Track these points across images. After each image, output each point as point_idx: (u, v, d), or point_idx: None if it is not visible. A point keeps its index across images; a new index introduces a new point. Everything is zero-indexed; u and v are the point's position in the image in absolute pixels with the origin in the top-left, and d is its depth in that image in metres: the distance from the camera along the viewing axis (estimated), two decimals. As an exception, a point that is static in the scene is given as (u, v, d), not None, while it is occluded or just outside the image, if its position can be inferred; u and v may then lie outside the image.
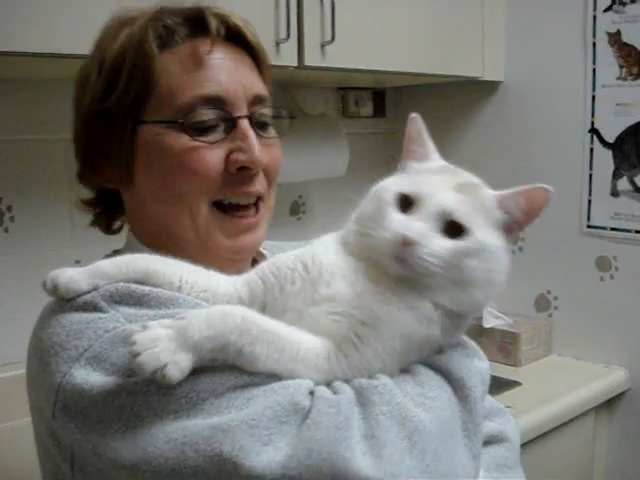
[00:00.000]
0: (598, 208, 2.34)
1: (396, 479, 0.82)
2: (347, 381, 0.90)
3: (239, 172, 1.11)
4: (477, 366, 1.00)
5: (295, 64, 1.87)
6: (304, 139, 2.32)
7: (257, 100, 1.14)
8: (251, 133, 1.10)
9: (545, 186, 0.94)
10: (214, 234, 1.12)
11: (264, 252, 1.26)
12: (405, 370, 0.94)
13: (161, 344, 0.81)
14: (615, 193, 2.30)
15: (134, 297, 0.96)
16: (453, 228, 0.91)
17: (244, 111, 1.11)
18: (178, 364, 0.82)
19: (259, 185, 1.14)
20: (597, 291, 2.38)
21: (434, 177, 0.96)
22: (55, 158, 1.92)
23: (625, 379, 2.32)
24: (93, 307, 0.96)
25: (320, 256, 0.97)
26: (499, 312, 2.48)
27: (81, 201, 1.22)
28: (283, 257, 1.01)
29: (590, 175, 2.35)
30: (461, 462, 0.91)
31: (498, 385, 2.18)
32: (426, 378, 0.93)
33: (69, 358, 0.93)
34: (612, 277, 2.34)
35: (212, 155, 1.09)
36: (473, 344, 1.05)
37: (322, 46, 1.90)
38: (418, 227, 0.89)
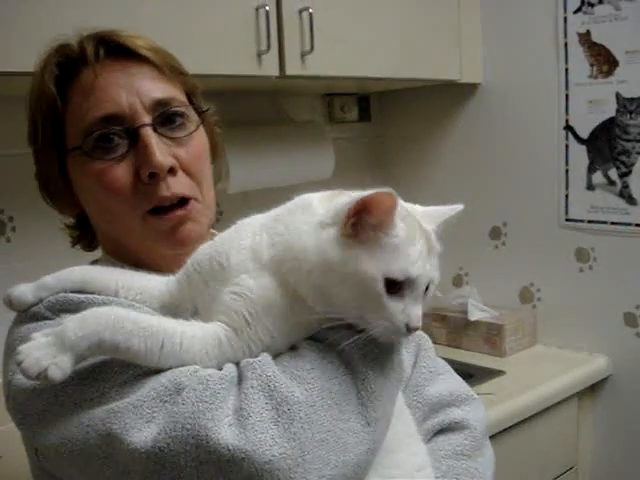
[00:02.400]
0: (575, 202, 2.43)
1: (259, 447, 0.86)
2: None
3: (151, 180, 1.13)
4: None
5: (277, 74, 1.95)
6: (291, 145, 2.40)
7: (159, 103, 1.16)
8: (151, 140, 1.13)
9: (459, 207, 1.05)
10: (153, 238, 1.17)
11: (215, 232, 1.29)
12: (292, 346, 0.98)
13: (42, 350, 0.89)
14: (591, 187, 2.38)
15: (72, 305, 1.04)
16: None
17: (144, 119, 1.14)
18: (58, 365, 0.89)
19: (176, 188, 1.15)
20: (577, 282, 2.46)
21: (411, 249, 0.93)
22: None
23: (607, 366, 2.40)
24: (40, 317, 1.06)
25: (235, 262, 1.01)
26: (484, 305, 2.57)
27: (65, 225, 1.31)
28: (204, 250, 1.07)
29: (566, 170, 2.43)
30: (352, 428, 0.93)
31: (483, 375, 2.28)
32: (308, 351, 0.96)
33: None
34: (591, 268, 2.42)
35: (120, 171, 1.13)
36: None
37: (302, 55, 1.98)
38: (420, 313, 0.94)
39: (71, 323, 0.91)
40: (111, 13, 1.55)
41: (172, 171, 1.15)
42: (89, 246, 1.31)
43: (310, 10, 1.95)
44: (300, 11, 1.96)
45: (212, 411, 0.89)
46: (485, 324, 2.52)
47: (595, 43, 2.31)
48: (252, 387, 0.91)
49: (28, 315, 1.07)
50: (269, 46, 1.89)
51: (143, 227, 1.16)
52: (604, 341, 2.42)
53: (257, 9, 1.88)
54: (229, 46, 1.84)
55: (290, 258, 0.97)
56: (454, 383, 1.28)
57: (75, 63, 1.16)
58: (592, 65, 2.33)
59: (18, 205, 2.00)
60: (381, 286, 0.92)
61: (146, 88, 1.15)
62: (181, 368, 0.94)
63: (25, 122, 1.91)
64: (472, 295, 2.59)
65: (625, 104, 2.27)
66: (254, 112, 2.50)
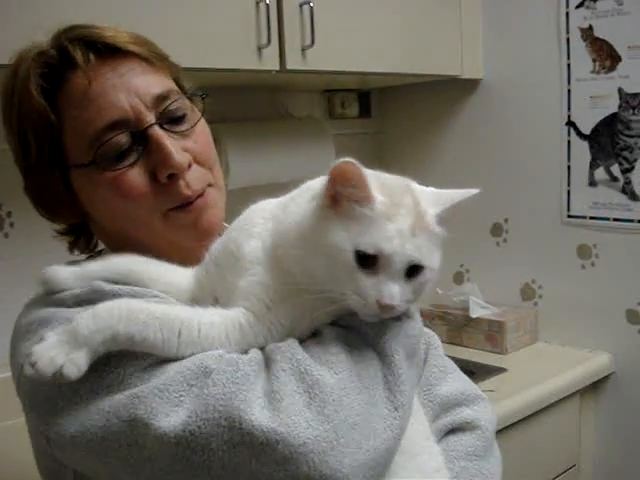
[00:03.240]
0: (577, 198, 2.42)
1: (293, 429, 0.85)
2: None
3: (170, 179, 1.11)
4: (400, 323, 1.00)
5: (277, 68, 1.94)
6: (291, 141, 2.39)
7: (160, 99, 1.12)
8: (164, 140, 1.10)
9: (475, 191, 1.00)
10: (179, 235, 1.16)
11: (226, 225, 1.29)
12: (315, 332, 0.98)
13: (55, 349, 0.88)
14: (593, 183, 2.37)
15: (97, 295, 1.02)
16: (413, 269, 0.93)
17: (150, 119, 1.10)
18: (73, 362, 0.88)
19: (195, 183, 1.13)
20: (579, 279, 2.45)
21: (389, 226, 0.92)
22: None
23: (609, 363, 2.39)
24: (63, 304, 1.04)
25: (246, 251, 1.02)
26: (485, 302, 2.56)
27: (56, 232, 1.27)
28: (218, 242, 1.08)
29: (568, 166, 2.42)
30: (380, 413, 0.93)
31: (484, 372, 2.27)
32: (333, 336, 0.96)
33: (33, 343, 1.00)
34: (593, 264, 2.41)
35: (135, 177, 1.10)
36: None
37: (303, 50, 1.97)
38: (395, 290, 0.92)
39: (83, 319, 0.90)
40: (110, 8, 1.53)
41: (189, 166, 1.13)
42: (87, 248, 1.28)
43: (311, 4, 1.94)
44: (301, 5, 1.95)
45: (244, 392, 0.88)
46: (486, 321, 2.50)
47: (597, 38, 2.30)
48: (283, 370, 0.91)
49: (54, 299, 1.05)
50: (269, 40, 1.88)
51: (165, 224, 1.14)
52: (606, 338, 2.41)
53: (257, 3, 1.87)
54: (229, 40, 1.83)
55: (281, 243, 0.98)
56: (463, 382, 1.27)
57: (59, 71, 1.10)
58: (594, 60, 2.32)
59: (16, 200, 1.95)
60: (351, 258, 0.91)
61: (142, 85, 1.11)
62: (206, 352, 0.93)
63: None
64: (473, 292, 2.58)
65: (627, 99, 2.25)
66: (254, 108, 2.49)
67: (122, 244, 1.18)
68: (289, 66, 1.95)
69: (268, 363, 0.93)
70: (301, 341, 0.97)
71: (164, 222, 1.14)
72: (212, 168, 1.19)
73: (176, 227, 1.15)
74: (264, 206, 1.07)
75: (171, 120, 1.14)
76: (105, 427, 0.92)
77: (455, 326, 2.58)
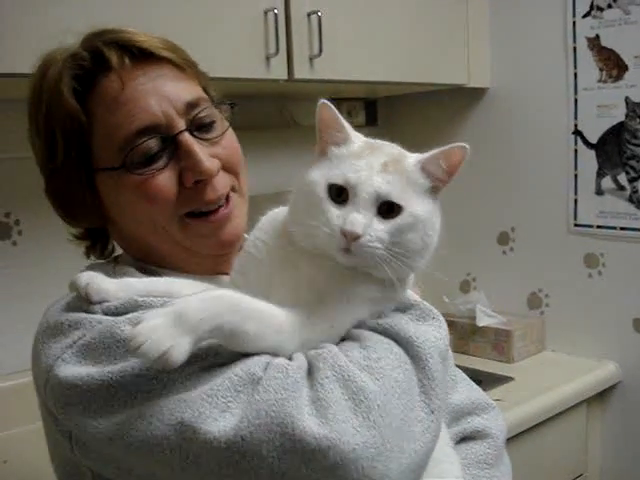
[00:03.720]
0: (584, 207, 2.42)
1: (342, 436, 0.86)
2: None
3: (196, 185, 1.12)
4: (429, 327, 1.03)
5: (285, 77, 1.95)
6: (298, 149, 2.39)
7: (190, 106, 1.13)
8: (194, 147, 1.11)
9: (461, 144, 1.00)
10: (197, 242, 1.15)
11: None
12: (352, 337, 0.99)
13: (160, 331, 0.87)
14: (600, 192, 2.37)
15: (129, 307, 1.02)
16: (387, 208, 0.96)
17: (180, 125, 1.11)
18: (179, 347, 0.86)
19: (220, 188, 1.14)
20: (586, 287, 2.44)
21: (360, 162, 0.98)
22: None
23: (616, 372, 2.39)
24: (92, 311, 1.03)
25: (264, 244, 1.05)
26: (492, 311, 2.56)
27: (72, 235, 1.26)
28: (241, 257, 1.10)
29: (575, 175, 2.42)
30: (417, 417, 0.95)
31: (491, 381, 2.26)
32: (371, 342, 0.97)
33: (65, 344, 1.01)
34: (600, 273, 2.41)
35: (163, 181, 1.10)
36: (428, 306, 1.07)
37: (310, 59, 1.98)
38: (358, 219, 0.94)
39: (191, 305, 0.89)
40: (118, 15, 1.53)
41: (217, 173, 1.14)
42: (102, 254, 1.27)
43: (319, 13, 1.95)
44: (309, 14, 1.95)
45: (295, 399, 0.89)
46: (493, 330, 2.50)
47: (604, 47, 2.31)
48: (327, 377, 0.91)
49: (83, 307, 1.04)
50: (277, 49, 1.89)
51: (183, 231, 1.14)
52: (613, 347, 2.41)
53: (266, 12, 1.88)
54: (238, 49, 1.84)
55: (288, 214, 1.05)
56: (474, 391, 1.28)
57: (92, 73, 1.11)
58: (601, 69, 2.32)
59: (25, 208, 2.00)
60: (321, 189, 0.97)
61: (173, 91, 1.12)
62: (252, 359, 0.93)
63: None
64: (480, 301, 2.57)
65: (634, 108, 2.26)
66: (261, 116, 2.49)
67: (142, 251, 1.19)
68: (297, 75, 1.96)
69: (311, 370, 0.93)
70: (340, 345, 0.98)
71: (181, 228, 1.14)
72: (238, 175, 1.19)
73: (195, 235, 1.15)
74: (276, 215, 1.09)
75: (200, 127, 1.14)
76: (146, 430, 0.91)
77: (462, 335, 2.58)
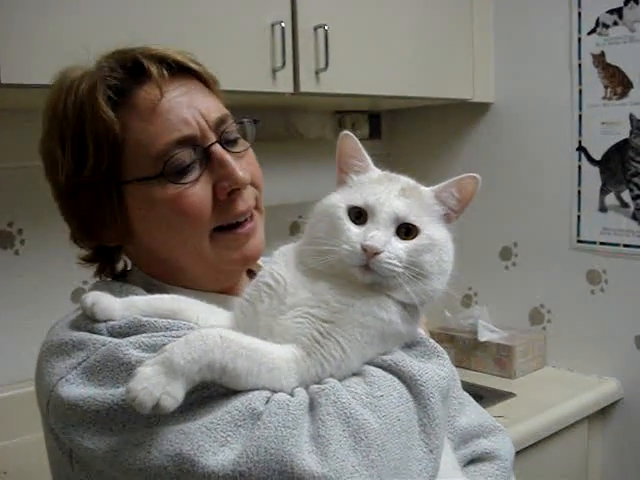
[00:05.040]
0: (587, 223, 2.42)
1: (341, 475, 0.86)
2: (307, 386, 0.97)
3: (229, 196, 1.13)
4: (433, 365, 1.03)
5: (291, 91, 1.96)
6: (302, 161, 2.40)
7: (219, 122, 1.15)
8: (227, 156, 1.13)
9: (473, 175, 1.05)
10: (222, 255, 1.16)
11: (261, 264, 1.28)
12: (356, 372, 0.99)
13: (151, 380, 0.87)
14: (603, 209, 2.37)
15: (133, 328, 1.02)
16: (405, 230, 1.00)
17: (212, 137, 1.13)
18: (170, 394, 0.87)
19: (249, 199, 1.16)
20: (588, 304, 2.44)
21: (379, 187, 1.03)
22: None
23: (617, 389, 2.38)
24: (98, 333, 1.03)
25: (281, 272, 1.05)
26: (494, 326, 2.55)
27: (81, 259, 1.24)
28: (251, 286, 1.09)
29: (579, 192, 2.43)
30: (416, 456, 0.95)
31: (493, 397, 2.26)
32: (375, 378, 0.97)
33: (69, 364, 1.02)
34: (602, 290, 2.41)
35: (199, 193, 1.11)
36: (434, 344, 1.08)
37: (316, 73, 1.98)
38: (378, 236, 0.97)
39: (177, 348, 0.90)
40: (126, 29, 1.54)
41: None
42: (112, 273, 1.26)
43: (326, 27, 1.95)
44: (315, 28, 1.96)
45: (295, 437, 0.88)
46: (495, 345, 2.50)
47: (609, 64, 2.31)
48: (328, 414, 0.91)
49: (88, 326, 1.04)
50: (284, 63, 1.89)
51: (212, 243, 1.14)
52: (615, 364, 2.40)
53: (273, 25, 1.88)
54: (244, 62, 1.84)
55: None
56: (480, 414, 1.28)
57: (128, 84, 1.11)
58: (606, 86, 2.33)
59: (28, 218, 2.00)
60: (342, 212, 1.01)
61: (205, 106, 1.14)
62: (253, 392, 0.93)
63: (34, 134, 1.92)
64: (482, 315, 2.57)
65: (639, 126, 2.26)
66: (265, 129, 2.49)
67: (158, 266, 1.19)
68: (303, 89, 1.97)
69: (313, 405, 0.93)
70: (344, 380, 0.98)
71: (211, 241, 1.14)
72: (261, 192, 1.22)
73: (222, 248, 1.15)
74: (287, 249, 1.10)
75: (227, 142, 1.16)
76: (145, 459, 0.91)
77: (463, 349, 2.58)
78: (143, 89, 1.11)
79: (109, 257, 1.24)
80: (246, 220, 1.17)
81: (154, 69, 1.10)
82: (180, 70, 1.15)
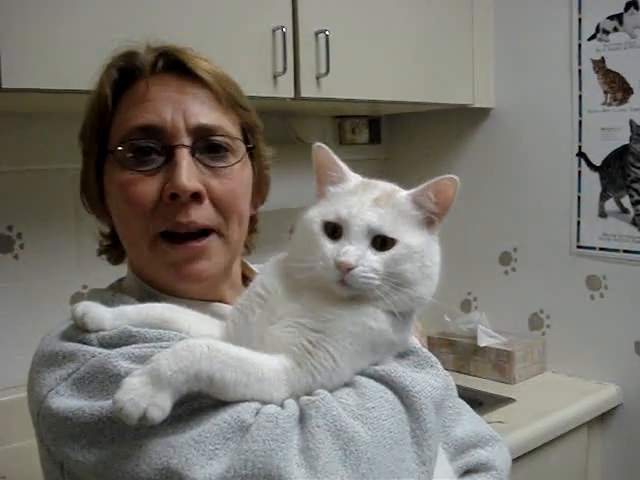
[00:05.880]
0: (587, 229, 2.42)
1: None
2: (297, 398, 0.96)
3: (172, 201, 1.09)
4: (426, 376, 1.03)
5: (292, 96, 1.95)
6: (301, 166, 2.38)
7: (203, 129, 1.13)
8: (182, 161, 1.09)
9: (450, 176, 1.01)
10: (160, 266, 1.14)
11: (257, 270, 1.29)
12: (348, 383, 0.98)
13: (138, 391, 0.87)
14: (603, 214, 2.37)
15: (123, 339, 1.02)
16: (381, 241, 0.98)
17: (183, 140, 1.11)
18: (157, 405, 0.87)
19: (196, 216, 1.11)
20: (588, 309, 2.44)
21: (352, 198, 1.01)
22: (63, 188, 1.97)
23: (617, 395, 2.38)
24: (88, 344, 1.03)
25: (271, 283, 1.05)
26: (493, 331, 2.55)
27: (99, 233, 1.26)
28: (243, 297, 1.08)
29: (579, 197, 2.43)
30: (408, 468, 0.94)
31: (493, 402, 2.26)
32: (367, 389, 0.97)
33: (59, 376, 1.01)
34: (602, 295, 2.41)
35: (146, 186, 1.10)
36: (427, 354, 1.07)
37: (317, 78, 1.98)
38: (351, 251, 0.96)
39: (163, 359, 0.89)
40: (126, 33, 1.53)
41: (197, 198, 1.10)
42: (115, 260, 1.27)
43: (327, 32, 1.95)
44: (317, 33, 1.96)
45: (283, 450, 0.87)
46: (494, 350, 2.50)
47: (609, 70, 2.31)
48: (318, 426, 0.91)
49: (80, 336, 1.04)
50: (285, 68, 1.89)
51: (151, 251, 1.13)
52: (614, 370, 2.40)
53: (274, 30, 1.88)
54: (245, 67, 1.84)
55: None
56: (477, 424, 1.26)
57: (135, 71, 1.15)
58: (606, 92, 2.33)
59: (27, 222, 2.00)
60: (317, 227, 1.01)
61: (194, 110, 1.13)
62: (242, 404, 0.92)
63: (34, 138, 1.92)
64: (481, 320, 2.57)
65: (639, 132, 2.26)
66: (264, 133, 2.48)
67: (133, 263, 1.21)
68: (304, 94, 1.97)
69: (303, 417, 0.92)
70: (335, 392, 0.97)
71: (150, 248, 1.13)
72: (229, 219, 1.16)
73: (160, 259, 1.13)
74: (277, 260, 1.10)
75: (207, 153, 1.14)
76: (132, 472, 0.90)
77: (462, 355, 2.57)
78: (145, 79, 1.14)
79: (117, 242, 1.24)
80: (193, 237, 1.12)
81: (148, 60, 1.15)
82: (188, 73, 1.15)
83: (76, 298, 2.07)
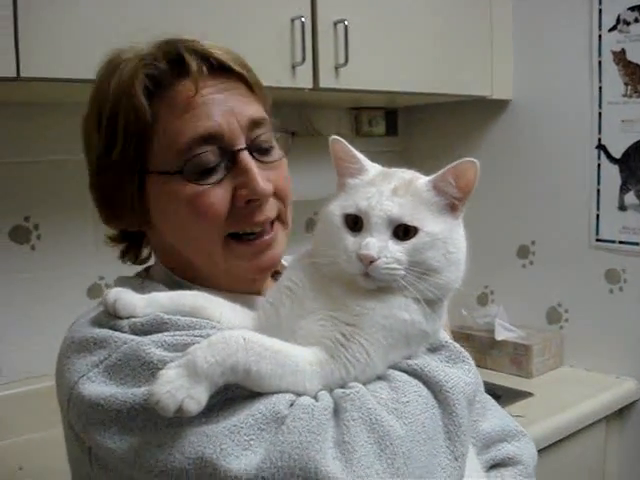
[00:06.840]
0: (606, 222, 2.39)
1: None
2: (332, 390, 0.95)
3: (247, 205, 1.11)
4: (458, 371, 1.02)
5: (310, 86, 1.95)
6: (318, 158, 2.38)
7: (254, 124, 1.13)
8: (252, 165, 1.10)
9: (469, 159, 0.99)
10: (234, 263, 1.14)
11: (285, 264, 1.27)
12: (381, 377, 0.98)
13: (174, 383, 0.86)
14: (622, 207, 2.35)
15: (155, 325, 1.01)
16: (404, 231, 0.97)
17: (242, 142, 1.11)
18: (194, 397, 0.86)
19: (269, 211, 1.14)
20: (607, 303, 2.42)
21: (371, 189, 1.00)
22: (79, 178, 1.94)
23: (635, 389, 2.36)
24: (119, 331, 1.02)
25: (299, 277, 1.05)
26: (511, 325, 2.53)
27: (108, 238, 1.25)
28: (273, 289, 1.09)
29: (598, 190, 2.40)
30: (441, 464, 0.94)
31: (511, 396, 2.24)
32: (401, 383, 0.96)
33: (91, 362, 1.01)
34: (621, 289, 2.39)
35: (217, 195, 1.09)
36: (459, 348, 1.06)
37: (336, 68, 1.97)
38: (372, 243, 0.96)
39: (199, 351, 0.89)
40: (146, 25, 1.52)
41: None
42: (136, 259, 1.26)
43: (345, 22, 1.94)
44: (335, 23, 1.95)
45: (319, 442, 0.87)
46: (512, 344, 2.48)
47: (630, 62, 2.29)
48: (353, 420, 0.90)
49: (111, 322, 1.03)
50: (304, 58, 1.88)
51: (224, 250, 1.13)
52: (633, 364, 2.38)
53: (292, 20, 1.87)
54: (264, 57, 1.82)
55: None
56: (503, 418, 1.26)
57: (168, 76, 1.11)
58: (626, 84, 2.30)
59: (44, 213, 2.00)
60: (338, 220, 1.01)
61: (242, 106, 1.12)
62: (277, 395, 0.92)
63: (51, 129, 1.91)
64: (499, 314, 2.55)
65: (660, 124, 2.23)
66: (281, 124, 2.48)
67: (177, 262, 1.18)
68: (322, 84, 1.96)
69: (338, 410, 0.92)
70: (369, 385, 0.96)
71: (223, 248, 1.13)
72: (287, 206, 1.19)
73: (235, 257, 1.13)
74: (301, 253, 1.10)
75: (259, 150, 1.14)
76: (166, 461, 0.90)
77: (480, 348, 2.56)
78: (181, 83, 1.10)
79: (134, 241, 1.24)
80: (264, 231, 1.15)
81: (194, 65, 1.09)
82: (222, 69, 1.13)
83: (93, 289, 2.08)
